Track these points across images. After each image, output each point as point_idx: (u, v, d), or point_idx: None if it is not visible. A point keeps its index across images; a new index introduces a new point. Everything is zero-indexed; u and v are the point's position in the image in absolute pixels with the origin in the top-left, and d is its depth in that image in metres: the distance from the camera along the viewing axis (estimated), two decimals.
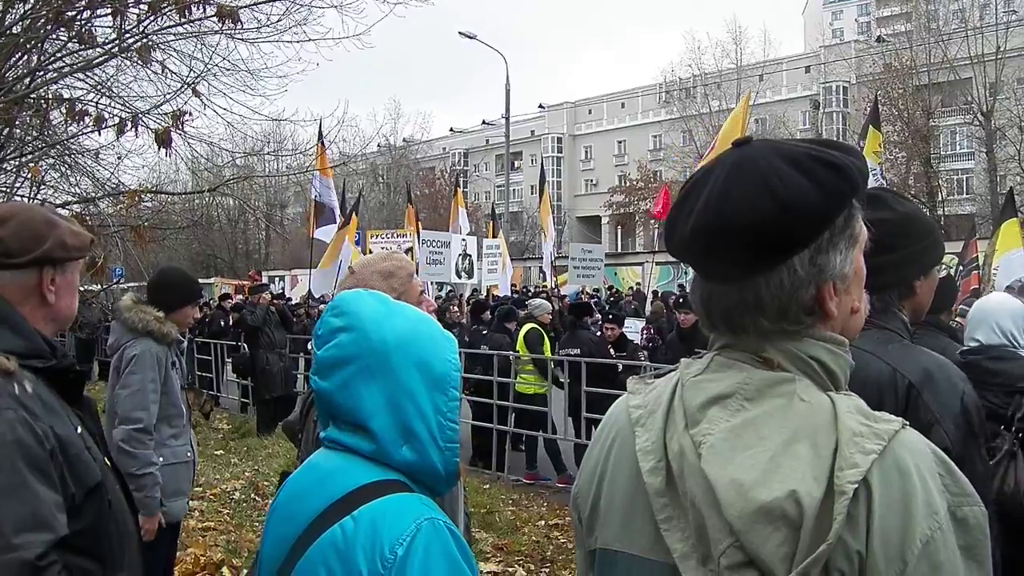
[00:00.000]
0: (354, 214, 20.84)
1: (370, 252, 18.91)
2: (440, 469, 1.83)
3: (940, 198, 44.50)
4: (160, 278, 5.51)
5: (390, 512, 1.71)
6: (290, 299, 25.61)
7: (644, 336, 16.16)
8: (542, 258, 26.01)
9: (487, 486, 11.05)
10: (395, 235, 22.69)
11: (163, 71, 8.38)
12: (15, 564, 2.05)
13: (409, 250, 20.25)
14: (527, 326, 12.42)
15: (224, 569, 7.04)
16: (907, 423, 1.39)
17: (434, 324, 1.95)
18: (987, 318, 4.01)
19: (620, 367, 10.95)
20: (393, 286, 3.11)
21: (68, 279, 2.55)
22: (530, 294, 25.28)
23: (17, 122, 8.45)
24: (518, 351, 12.22)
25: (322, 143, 17.41)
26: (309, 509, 1.78)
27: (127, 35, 7.74)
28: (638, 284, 36.66)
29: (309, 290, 22.74)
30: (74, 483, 2.27)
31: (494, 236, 23.58)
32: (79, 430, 2.39)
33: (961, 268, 15.44)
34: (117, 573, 2.38)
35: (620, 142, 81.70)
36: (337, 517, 1.72)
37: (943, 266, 3.39)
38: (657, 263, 34.26)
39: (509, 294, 23.97)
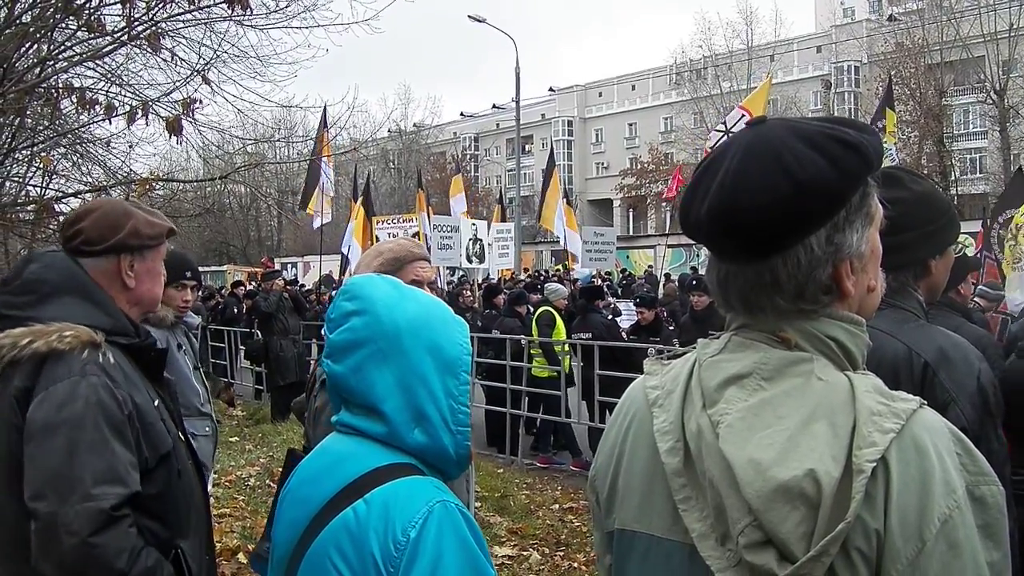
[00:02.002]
0: (361, 198, 20.92)
1: (376, 237, 19.03)
2: (451, 452, 1.85)
3: (953, 177, 44.28)
4: None
5: (402, 495, 1.72)
6: (303, 285, 25.69)
7: None
8: (557, 241, 26.00)
9: (501, 470, 11.07)
10: (401, 220, 22.72)
11: (173, 59, 8.39)
12: (93, 512, 2.27)
13: (415, 235, 20.29)
14: (540, 309, 12.45)
15: (240, 555, 7.08)
16: (925, 402, 1.39)
17: (446, 308, 1.96)
18: None
19: (650, 350, 10.92)
20: (373, 264, 3.18)
21: (148, 265, 2.78)
22: (542, 278, 25.31)
23: (28, 112, 8.47)
24: (533, 335, 12.24)
25: (325, 128, 17.36)
26: (322, 492, 1.79)
27: (136, 23, 7.73)
28: (650, 267, 36.64)
29: (321, 276, 22.81)
30: (148, 448, 2.49)
31: (503, 220, 23.55)
32: (156, 403, 2.63)
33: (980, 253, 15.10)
34: (181, 539, 2.57)
35: (631, 124, 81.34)
36: (350, 500, 1.73)
37: (959, 245, 3.36)
38: (669, 245, 34.26)
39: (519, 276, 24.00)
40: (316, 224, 21.32)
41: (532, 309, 13.32)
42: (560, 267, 25.44)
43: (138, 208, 2.82)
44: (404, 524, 1.66)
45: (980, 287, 9.59)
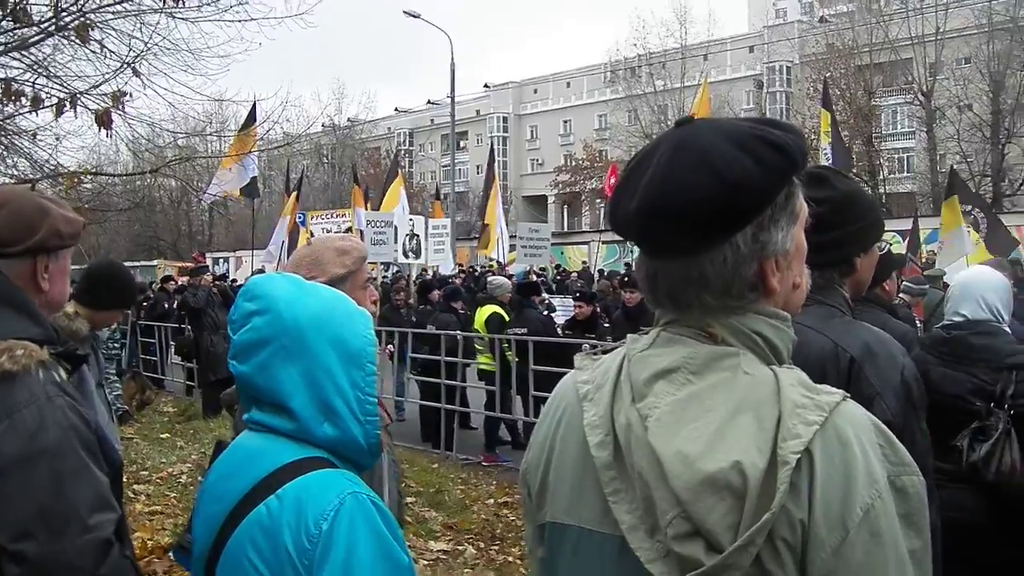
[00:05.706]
0: (296, 192, 20.75)
1: (311, 232, 18.88)
2: (362, 442, 1.88)
3: (882, 176, 45.12)
4: (107, 270, 5.05)
5: (314, 488, 1.75)
6: (235, 280, 25.40)
7: None
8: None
9: (436, 465, 11.06)
10: (335, 215, 22.58)
11: (102, 50, 8.25)
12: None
13: (348, 230, 20.20)
14: (489, 309, 12.39)
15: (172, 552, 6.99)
16: (848, 395, 1.42)
17: (348, 301, 1.98)
18: (972, 292, 3.90)
19: (584, 346, 10.95)
20: (345, 263, 3.12)
21: (61, 265, 2.52)
22: (477, 273, 25.32)
23: None
24: (477, 330, 12.23)
25: (252, 122, 17.02)
26: (236, 489, 1.82)
27: (64, 13, 7.60)
28: (585, 263, 36.82)
29: (253, 271, 22.57)
30: (107, 463, 2.29)
31: (439, 216, 23.53)
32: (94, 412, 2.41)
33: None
34: (127, 547, 2.37)
35: (566, 121, 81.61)
36: (262, 496, 1.76)
37: (883, 243, 3.44)
38: (604, 242, 34.43)
39: (453, 272, 23.95)
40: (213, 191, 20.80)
41: (466, 306, 13.27)
42: (495, 262, 25.47)
43: (50, 201, 2.53)
44: (316, 517, 1.70)
45: (905, 283, 9.79)
